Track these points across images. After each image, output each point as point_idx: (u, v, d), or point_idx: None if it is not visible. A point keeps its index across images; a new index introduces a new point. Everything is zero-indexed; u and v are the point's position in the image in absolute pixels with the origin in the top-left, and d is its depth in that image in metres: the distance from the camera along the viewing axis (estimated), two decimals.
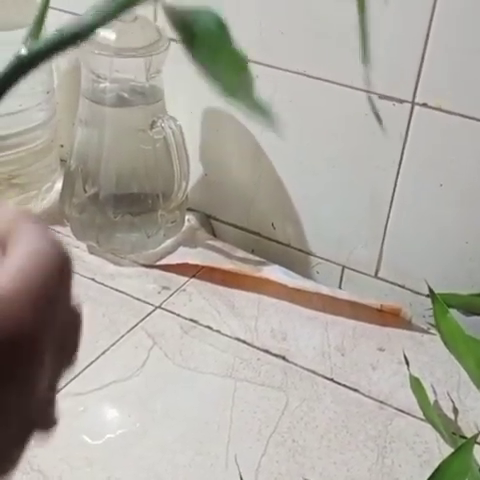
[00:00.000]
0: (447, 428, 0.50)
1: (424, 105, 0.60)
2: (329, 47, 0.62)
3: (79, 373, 0.56)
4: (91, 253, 0.71)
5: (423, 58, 0.59)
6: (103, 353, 0.58)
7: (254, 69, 0.69)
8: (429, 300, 0.62)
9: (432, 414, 0.52)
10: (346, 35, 0.61)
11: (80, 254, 0.70)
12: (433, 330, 0.64)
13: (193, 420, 0.53)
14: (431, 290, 0.48)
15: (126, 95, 0.66)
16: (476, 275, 0.64)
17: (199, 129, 0.73)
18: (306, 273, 0.72)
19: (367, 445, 0.52)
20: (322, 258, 0.72)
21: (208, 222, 0.78)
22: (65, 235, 0.72)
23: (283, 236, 0.74)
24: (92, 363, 0.57)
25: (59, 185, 0.74)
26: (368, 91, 0.60)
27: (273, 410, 0.55)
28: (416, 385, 0.52)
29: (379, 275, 0.69)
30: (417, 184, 0.64)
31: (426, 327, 0.65)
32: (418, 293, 0.67)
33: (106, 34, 0.61)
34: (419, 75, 0.60)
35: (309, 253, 0.73)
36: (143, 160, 0.66)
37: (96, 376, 0.56)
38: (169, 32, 0.65)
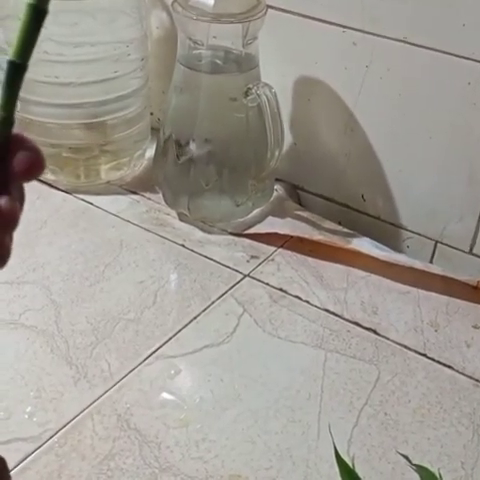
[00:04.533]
0: None
1: None
2: (431, 13, 0.60)
3: (172, 336, 0.57)
4: (181, 220, 0.71)
5: None
6: (195, 318, 0.59)
7: (352, 36, 0.67)
8: None
9: None
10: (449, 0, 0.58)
11: (171, 221, 0.71)
12: None
13: (284, 388, 0.53)
14: None
15: (220, 62, 0.65)
16: None
17: (290, 98, 0.73)
18: (396, 247, 0.71)
19: (462, 422, 0.51)
20: (413, 232, 0.70)
21: (295, 192, 0.78)
22: (156, 202, 0.73)
23: (373, 208, 0.72)
24: (184, 327, 0.58)
25: (150, 152, 0.75)
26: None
27: (364, 382, 0.54)
28: None
29: (474, 251, 0.67)
30: None
31: None
32: None
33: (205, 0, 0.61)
34: None
35: (400, 227, 0.71)
36: (236, 128, 0.66)
37: (188, 340, 0.57)
38: None
